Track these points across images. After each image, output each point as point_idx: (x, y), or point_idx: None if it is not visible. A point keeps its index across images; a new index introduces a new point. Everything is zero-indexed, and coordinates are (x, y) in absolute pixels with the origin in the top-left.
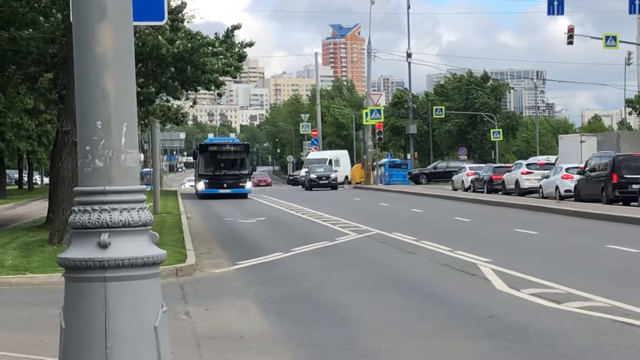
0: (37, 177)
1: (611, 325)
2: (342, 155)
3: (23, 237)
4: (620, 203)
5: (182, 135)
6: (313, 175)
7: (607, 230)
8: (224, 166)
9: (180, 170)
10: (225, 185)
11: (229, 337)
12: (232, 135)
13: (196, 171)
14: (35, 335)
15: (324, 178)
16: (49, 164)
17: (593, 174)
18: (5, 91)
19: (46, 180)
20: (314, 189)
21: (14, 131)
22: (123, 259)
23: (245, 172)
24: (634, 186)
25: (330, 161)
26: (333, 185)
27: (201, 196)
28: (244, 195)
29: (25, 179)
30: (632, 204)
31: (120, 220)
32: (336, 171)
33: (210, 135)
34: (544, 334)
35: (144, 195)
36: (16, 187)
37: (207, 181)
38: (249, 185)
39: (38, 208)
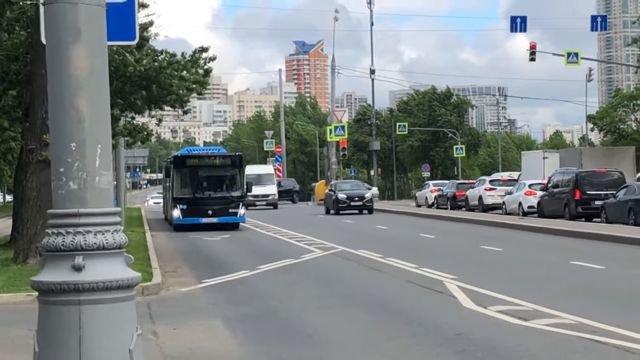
0: (0, 195)
1: (579, 342)
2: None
3: None
4: (583, 219)
5: (146, 152)
6: (342, 195)
7: (570, 246)
8: (208, 186)
9: (144, 187)
10: (210, 212)
11: (196, 356)
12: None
13: (168, 192)
14: (0, 356)
15: (356, 198)
16: (13, 182)
17: (556, 190)
18: None
19: (9, 198)
20: (342, 212)
21: None
22: (98, 282)
23: (237, 193)
24: (597, 202)
25: (272, 176)
26: (369, 208)
27: (177, 227)
28: (235, 226)
29: None
30: (594, 220)
31: (95, 243)
32: (369, 189)
33: (175, 151)
34: (512, 352)
35: (119, 217)
36: None
37: (184, 207)
38: (242, 211)
39: (2, 226)
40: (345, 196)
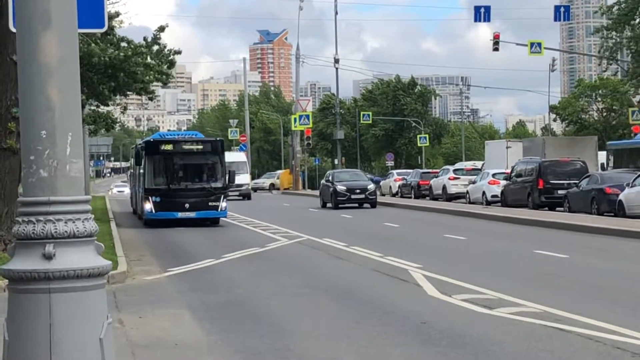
0: None
1: (543, 330)
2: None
3: None
4: (546, 208)
5: (109, 141)
6: (341, 187)
7: (534, 235)
8: (184, 176)
9: (108, 175)
10: (187, 205)
11: (163, 345)
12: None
13: (138, 183)
14: None
15: (357, 191)
16: None
17: (519, 179)
18: None
19: None
20: (341, 206)
21: None
22: (68, 270)
23: (218, 184)
24: (560, 192)
25: (245, 164)
26: (372, 202)
27: (148, 222)
28: (215, 221)
29: None
30: (557, 209)
31: (66, 231)
32: (371, 180)
33: (140, 139)
34: (477, 340)
35: (89, 206)
36: None
37: (158, 200)
38: (223, 205)
39: None
40: (344, 188)
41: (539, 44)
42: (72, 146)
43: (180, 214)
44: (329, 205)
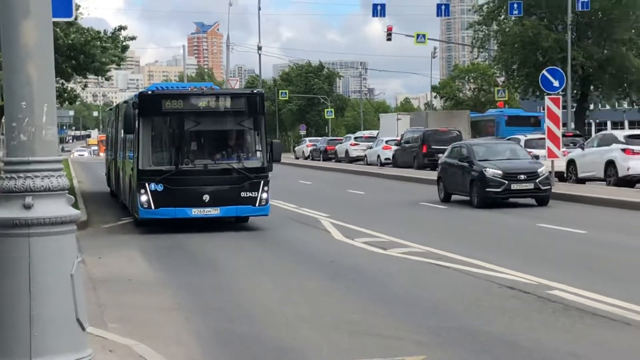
0: None
1: (427, 266)
2: None
3: None
4: (429, 169)
5: (71, 112)
6: (493, 170)
7: (418, 190)
8: (201, 150)
9: (70, 142)
10: (205, 197)
11: (119, 280)
12: None
13: (126, 159)
14: None
15: (521, 177)
16: None
17: (407, 145)
18: None
19: None
20: (492, 201)
21: None
22: (45, 218)
23: (256, 163)
24: (440, 155)
25: None
26: (543, 197)
27: (144, 222)
28: (244, 220)
29: None
30: (437, 169)
31: (42, 186)
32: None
33: (95, 114)
34: (376, 274)
35: (62, 165)
36: None
37: (159, 188)
38: (264, 196)
39: None
40: (500, 172)
41: (424, 35)
42: (47, 115)
43: (196, 211)
44: (455, 196)
